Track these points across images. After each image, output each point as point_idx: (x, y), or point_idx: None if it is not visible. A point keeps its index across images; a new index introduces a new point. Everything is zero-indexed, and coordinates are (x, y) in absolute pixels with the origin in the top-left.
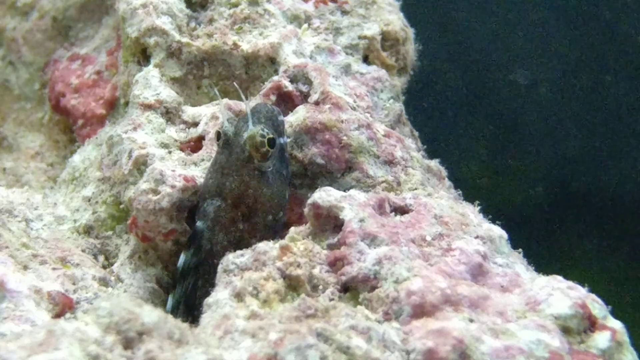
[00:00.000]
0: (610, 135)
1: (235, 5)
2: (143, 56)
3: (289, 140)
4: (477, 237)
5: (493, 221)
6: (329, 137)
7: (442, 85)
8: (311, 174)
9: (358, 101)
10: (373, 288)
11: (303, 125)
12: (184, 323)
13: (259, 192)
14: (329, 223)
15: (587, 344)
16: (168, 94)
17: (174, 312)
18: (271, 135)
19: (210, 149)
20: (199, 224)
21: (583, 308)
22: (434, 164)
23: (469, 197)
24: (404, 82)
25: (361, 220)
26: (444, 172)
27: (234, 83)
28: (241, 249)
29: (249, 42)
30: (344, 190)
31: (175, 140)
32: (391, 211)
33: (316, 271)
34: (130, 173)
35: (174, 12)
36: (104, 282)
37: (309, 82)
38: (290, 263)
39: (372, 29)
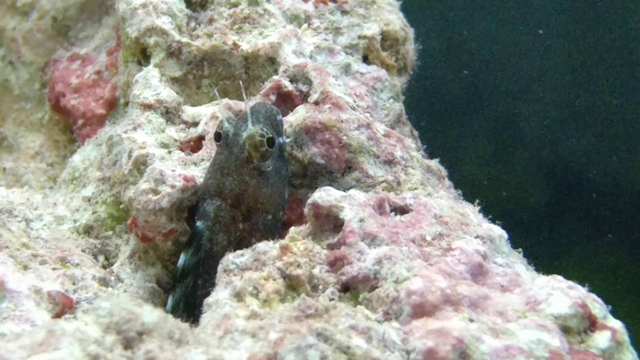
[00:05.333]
0: (610, 134)
1: (235, 5)
2: (143, 56)
3: (288, 140)
4: (477, 236)
5: (493, 221)
6: (329, 137)
7: (442, 85)
8: (311, 174)
9: (358, 101)
10: (373, 288)
11: (303, 125)
12: (184, 323)
13: (258, 192)
14: (329, 223)
15: (587, 344)
16: (168, 94)
17: (174, 312)
18: (270, 135)
19: (210, 149)
20: (199, 224)
21: (583, 308)
22: (434, 163)
23: (469, 197)
24: (404, 82)
25: (361, 220)
26: (444, 172)
27: (239, 81)
28: (241, 248)
29: (249, 42)
30: (344, 190)
31: (175, 140)
32: (391, 211)
33: (316, 271)
34: (130, 173)
35: (174, 12)
36: (104, 282)
37: (308, 82)
38: (290, 263)
39: (372, 29)
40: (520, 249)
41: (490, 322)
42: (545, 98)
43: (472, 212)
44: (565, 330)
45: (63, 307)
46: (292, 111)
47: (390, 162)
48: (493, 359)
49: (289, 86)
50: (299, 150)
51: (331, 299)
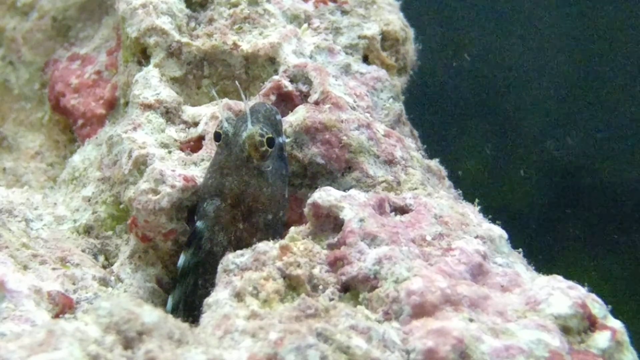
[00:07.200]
0: (610, 135)
1: (235, 5)
2: (143, 56)
3: (288, 140)
4: (477, 236)
5: (493, 221)
6: (329, 137)
7: (442, 85)
8: (311, 174)
9: (358, 101)
10: (373, 288)
11: (303, 125)
12: (184, 323)
13: (258, 192)
14: (329, 223)
15: (587, 344)
16: (168, 93)
17: (174, 312)
18: (270, 135)
19: (210, 149)
20: (198, 224)
21: (583, 308)
22: (434, 163)
23: (469, 197)
24: (404, 82)
25: (361, 220)
26: (444, 172)
27: (236, 83)
28: (241, 248)
29: (249, 42)
30: (344, 190)
31: (175, 140)
32: (391, 211)
33: (316, 271)
34: (130, 173)
35: (174, 12)
36: (104, 282)
37: (308, 82)
38: (290, 263)
39: (372, 29)
40: (520, 249)
41: (490, 322)
42: (546, 97)
43: (472, 212)
44: (565, 330)
45: (63, 307)
46: (292, 111)
47: (390, 162)
48: (493, 359)
49: (289, 86)
50: (299, 150)
51: (331, 299)
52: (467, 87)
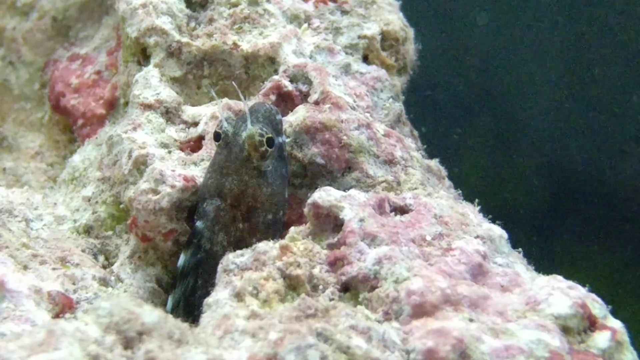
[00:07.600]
0: (610, 135)
1: (235, 5)
2: (143, 56)
3: (288, 140)
4: (477, 236)
5: (493, 221)
6: (329, 137)
7: (442, 85)
8: (311, 174)
9: (358, 101)
10: (373, 288)
11: (303, 125)
12: (184, 323)
13: (258, 192)
14: (329, 223)
15: (587, 344)
16: (168, 93)
17: (174, 312)
18: (270, 135)
19: (210, 149)
20: (198, 223)
21: (583, 308)
22: (434, 163)
23: (469, 197)
24: (403, 81)
25: (361, 220)
26: (444, 172)
27: (233, 83)
28: (241, 248)
29: (249, 42)
30: (344, 190)
31: (175, 140)
32: (391, 211)
33: (316, 271)
34: (130, 173)
35: (174, 12)
36: (104, 282)
37: (308, 81)
38: (290, 263)
39: (371, 29)
40: (520, 249)
41: (490, 322)
42: (546, 97)
43: (472, 212)
44: (565, 330)
45: (63, 307)
46: (292, 111)
47: (390, 162)
48: (493, 359)
49: (289, 86)
50: (299, 150)
51: (331, 299)
52: (468, 87)
